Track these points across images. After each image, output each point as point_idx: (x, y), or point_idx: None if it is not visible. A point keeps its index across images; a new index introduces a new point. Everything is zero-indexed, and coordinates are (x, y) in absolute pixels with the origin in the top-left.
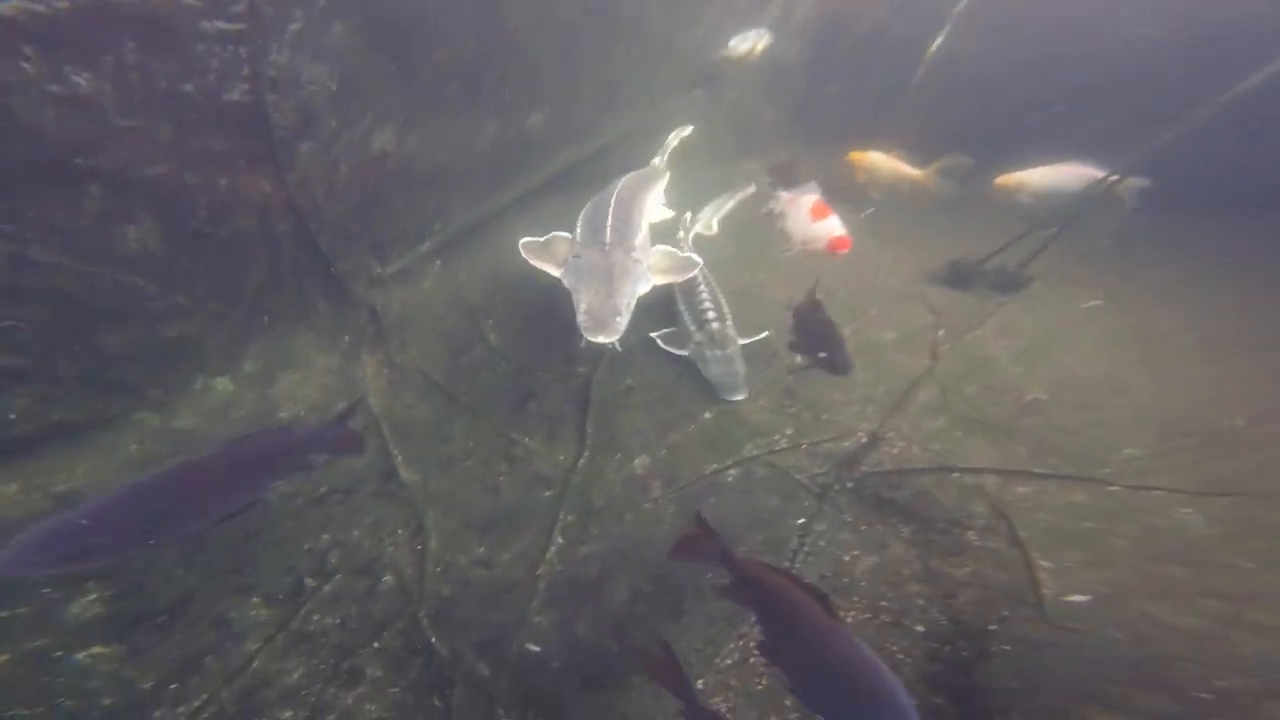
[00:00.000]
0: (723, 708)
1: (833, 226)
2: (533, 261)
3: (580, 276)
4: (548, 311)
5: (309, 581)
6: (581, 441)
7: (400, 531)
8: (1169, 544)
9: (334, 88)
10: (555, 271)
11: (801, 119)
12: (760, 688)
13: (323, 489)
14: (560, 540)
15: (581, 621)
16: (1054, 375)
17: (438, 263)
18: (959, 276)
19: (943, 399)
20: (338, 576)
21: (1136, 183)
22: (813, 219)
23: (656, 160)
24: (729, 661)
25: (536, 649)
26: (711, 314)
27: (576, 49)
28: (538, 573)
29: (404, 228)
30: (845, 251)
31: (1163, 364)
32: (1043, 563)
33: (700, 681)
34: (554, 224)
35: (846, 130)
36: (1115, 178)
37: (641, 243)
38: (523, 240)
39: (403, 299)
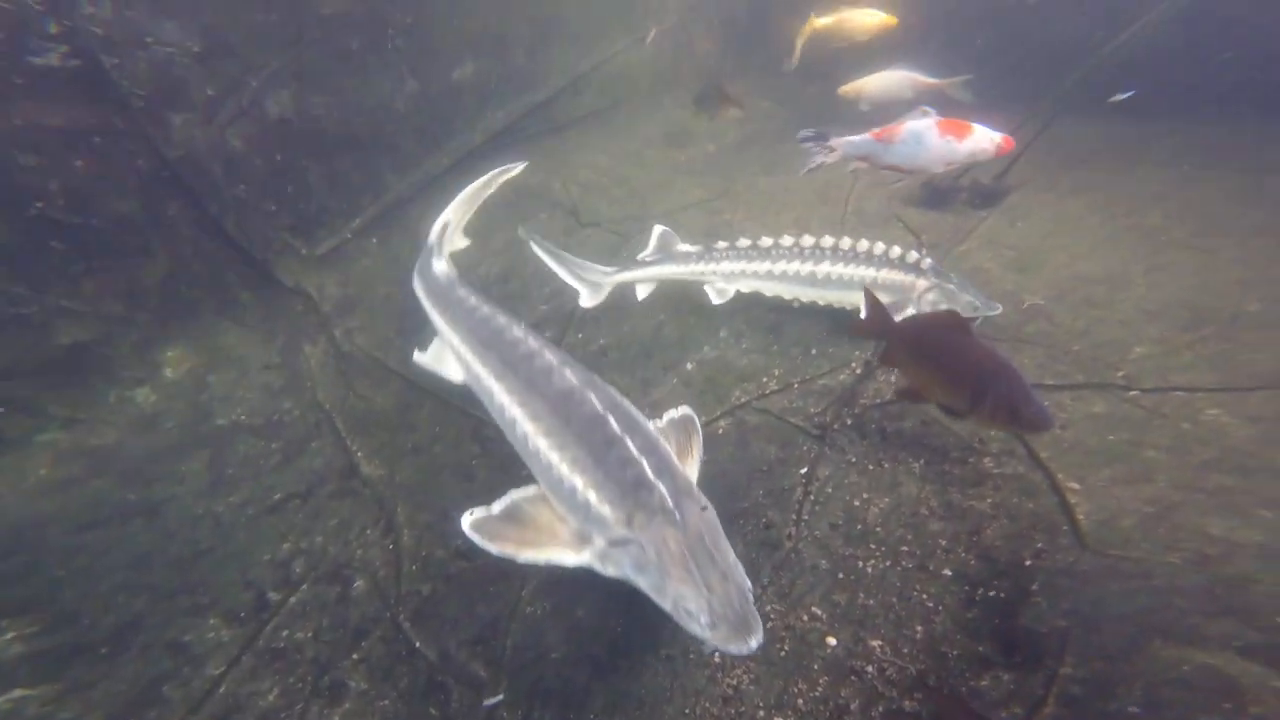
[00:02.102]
0: (744, 679)
1: (990, 134)
2: (517, 556)
3: (663, 571)
4: (505, 276)
5: (272, 595)
6: None
7: (369, 531)
8: (1207, 451)
9: (197, 49)
10: (569, 558)
11: (748, 49)
12: (783, 654)
13: (277, 495)
14: None
15: (581, 604)
16: (1050, 279)
17: (374, 239)
18: (935, 196)
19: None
20: (304, 586)
21: (960, 79)
22: (958, 137)
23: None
24: None
25: (497, 699)
26: (915, 254)
27: None
28: None
29: (328, 203)
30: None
31: (1160, 256)
32: (1071, 484)
33: (718, 652)
34: (503, 184)
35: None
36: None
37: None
38: (470, 518)
39: (341, 281)
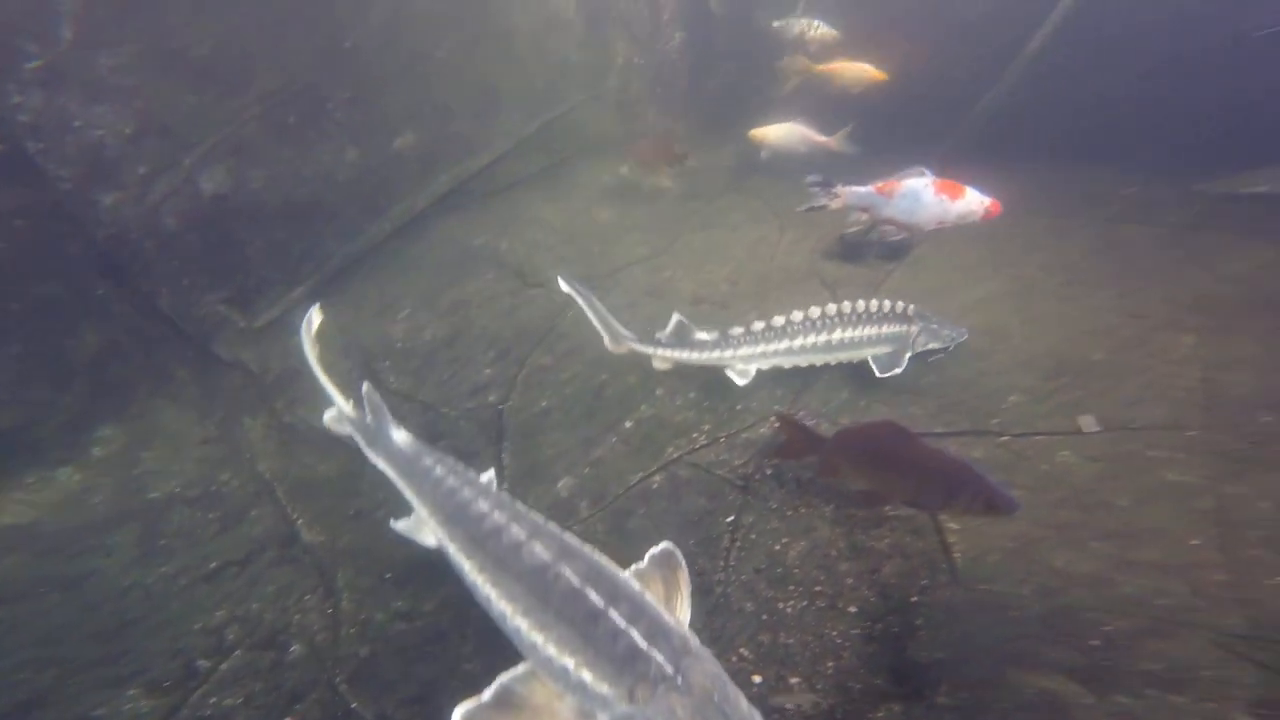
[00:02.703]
0: None
1: (981, 197)
2: None
3: None
4: (450, 340)
5: (202, 663)
6: (499, 474)
7: (308, 597)
8: (1059, 490)
9: (129, 130)
10: None
11: (691, 112)
12: None
13: (213, 564)
14: None
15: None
16: None
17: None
18: (849, 250)
19: (845, 371)
20: (237, 653)
21: (843, 131)
22: (951, 197)
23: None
24: None
25: None
26: (901, 304)
27: (431, 62)
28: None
29: (267, 274)
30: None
31: (1033, 308)
32: (951, 525)
33: None
34: (449, 245)
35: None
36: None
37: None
38: (461, 711)
39: (282, 352)
